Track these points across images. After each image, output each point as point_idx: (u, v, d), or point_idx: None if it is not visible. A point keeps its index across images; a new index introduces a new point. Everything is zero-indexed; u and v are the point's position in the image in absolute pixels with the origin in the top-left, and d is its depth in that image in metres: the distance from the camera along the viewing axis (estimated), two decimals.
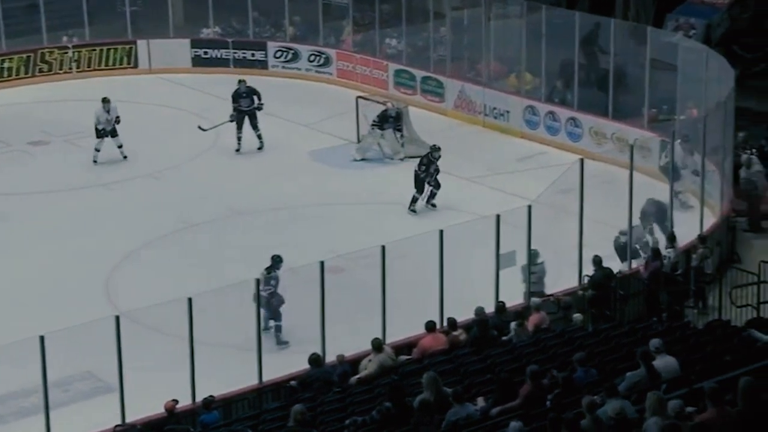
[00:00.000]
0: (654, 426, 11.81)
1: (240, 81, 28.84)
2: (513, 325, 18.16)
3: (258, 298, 18.44)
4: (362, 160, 28.19)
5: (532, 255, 19.95)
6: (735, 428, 11.75)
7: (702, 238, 21.13)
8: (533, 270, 19.89)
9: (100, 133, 27.96)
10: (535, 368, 14.82)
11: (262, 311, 19.11)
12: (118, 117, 28.02)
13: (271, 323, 19.92)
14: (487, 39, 30.71)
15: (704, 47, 26.99)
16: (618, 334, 17.31)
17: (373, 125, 28.20)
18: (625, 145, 25.86)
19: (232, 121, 28.44)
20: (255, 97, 28.47)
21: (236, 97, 28.49)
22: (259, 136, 28.64)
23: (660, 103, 27.62)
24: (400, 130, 28.18)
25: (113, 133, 28.03)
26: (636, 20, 33.43)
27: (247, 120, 28.51)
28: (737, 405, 11.99)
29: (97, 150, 27.97)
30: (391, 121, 28.10)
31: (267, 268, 20.12)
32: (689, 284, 20.52)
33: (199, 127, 28.47)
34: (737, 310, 19.39)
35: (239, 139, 28.51)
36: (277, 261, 20.25)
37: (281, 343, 19.92)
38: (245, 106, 28.41)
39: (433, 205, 25.06)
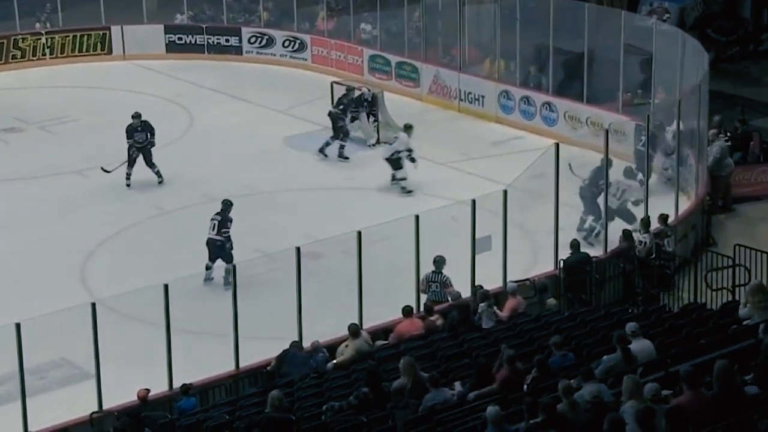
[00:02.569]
0: (630, 409, 11.86)
1: (134, 116, 26.15)
2: (482, 306, 18.16)
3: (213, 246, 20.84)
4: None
5: (437, 261, 19.56)
6: (710, 411, 11.81)
7: (663, 218, 21.17)
8: (434, 279, 19.56)
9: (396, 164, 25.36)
10: (511, 353, 14.87)
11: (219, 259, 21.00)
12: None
13: (223, 268, 20.60)
14: (461, 24, 30.71)
15: (678, 31, 27.03)
16: (594, 318, 17.37)
17: (352, 115, 28.11)
18: (600, 129, 25.94)
19: (132, 158, 25.94)
20: (148, 133, 26.00)
21: (131, 132, 25.95)
22: (158, 173, 26.09)
23: (634, 87, 27.69)
24: (374, 115, 28.13)
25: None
26: (610, 4, 33.50)
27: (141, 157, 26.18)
28: (713, 388, 12.06)
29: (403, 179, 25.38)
30: (365, 104, 28.06)
31: (219, 213, 21.37)
32: (663, 269, 20.57)
33: (102, 169, 26.04)
34: (713, 294, 19.47)
35: (129, 175, 25.91)
36: (228, 205, 21.58)
37: (228, 284, 19.88)
38: (140, 141, 25.93)
39: None
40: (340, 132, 27.25)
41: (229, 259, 21.19)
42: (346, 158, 27.15)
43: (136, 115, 26.15)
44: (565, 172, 21.12)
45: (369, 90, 28.43)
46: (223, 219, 21.49)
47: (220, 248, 21.37)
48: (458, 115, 30.07)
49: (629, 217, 21.89)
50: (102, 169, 26.11)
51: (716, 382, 12.01)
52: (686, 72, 25.09)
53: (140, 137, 25.94)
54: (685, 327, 15.74)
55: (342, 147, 27.20)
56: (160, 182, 26.09)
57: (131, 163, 25.96)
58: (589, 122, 27.48)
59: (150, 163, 26.02)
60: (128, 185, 25.92)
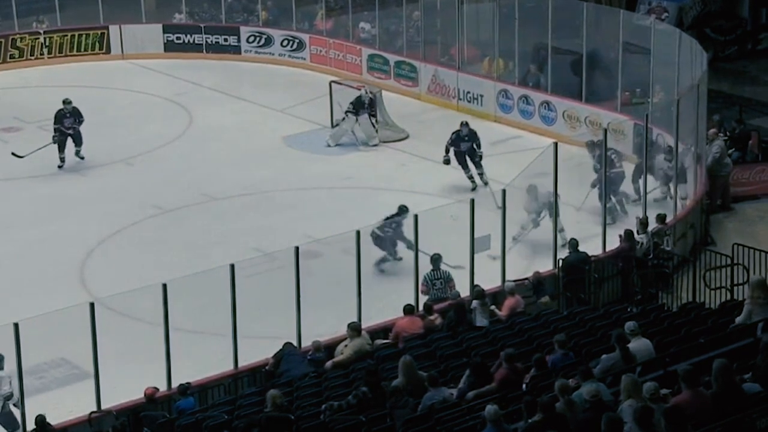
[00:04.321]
0: (629, 408, 11.86)
1: (64, 101, 26.84)
2: (474, 303, 18.16)
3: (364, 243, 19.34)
4: (337, 145, 28.11)
5: (435, 259, 19.63)
6: (709, 410, 11.82)
7: (661, 217, 21.17)
8: (437, 276, 19.55)
9: None
10: (510, 352, 14.88)
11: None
12: None
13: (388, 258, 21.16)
14: (460, 23, 30.71)
15: (677, 30, 27.04)
16: (593, 318, 17.37)
17: (347, 112, 28.12)
18: (598, 128, 25.94)
19: (54, 143, 26.68)
20: (76, 119, 26.71)
21: (60, 117, 26.66)
22: (78, 152, 26.92)
23: (633, 87, 27.70)
24: (374, 116, 28.11)
25: None
26: (609, 4, 33.51)
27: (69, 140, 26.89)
28: (711, 387, 12.06)
29: None
30: (366, 106, 28.01)
31: (390, 216, 21.53)
32: (662, 268, 20.57)
33: (13, 154, 26.66)
34: (711, 293, 19.48)
35: (62, 159, 26.79)
36: (400, 209, 21.49)
37: (381, 270, 21.03)
38: (67, 127, 26.64)
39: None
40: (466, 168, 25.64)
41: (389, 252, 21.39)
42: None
43: (67, 101, 26.84)
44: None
45: (368, 90, 28.37)
46: (388, 218, 21.50)
47: (375, 240, 21.20)
48: (457, 114, 29.99)
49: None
50: (12, 153, 26.71)
51: (715, 380, 12.02)
52: (685, 71, 25.10)
53: (68, 122, 26.62)
54: (684, 326, 15.75)
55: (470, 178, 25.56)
56: (82, 158, 26.95)
57: (61, 147, 26.74)
58: (588, 121, 27.48)
59: (79, 143, 26.87)
60: (60, 167, 26.79)
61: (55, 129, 26.74)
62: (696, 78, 23.93)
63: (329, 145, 28.08)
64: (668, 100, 24.97)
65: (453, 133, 25.56)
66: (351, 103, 28.09)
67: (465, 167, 25.33)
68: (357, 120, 27.98)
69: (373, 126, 28.03)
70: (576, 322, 17.21)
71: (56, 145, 26.77)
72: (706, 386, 12.09)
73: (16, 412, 16.58)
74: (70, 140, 26.86)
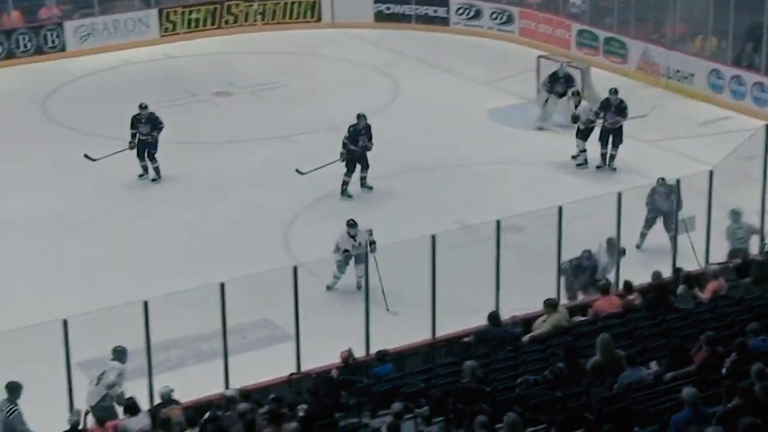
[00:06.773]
0: None
1: (140, 106, 25.09)
2: (681, 287, 17.90)
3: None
4: (540, 128, 27.82)
5: (735, 215, 20.08)
6: None
7: None
8: (738, 226, 20.04)
9: None
10: (711, 335, 14.64)
11: None
12: None
13: None
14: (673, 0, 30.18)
15: None
16: None
17: (544, 86, 27.83)
18: None
19: (132, 148, 25.07)
20: (151, 126, 24.97)
21: (135, 122, 25.05)
22: (156, 169, 25.16)
23: None
24: (576, 94, 27.42)
25: None
26: None
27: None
28: None
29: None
30: (561, 82, 27.61)
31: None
32: None
33: (86, 156, 25.31)
34: None
35: (144, 167, 25.18)
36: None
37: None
38: (144, 133, 25.03)
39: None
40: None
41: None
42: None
43: (143, 107, 25.15)
44: None
45: (563, 65, 27.85)
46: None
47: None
48: (666, 93, 29.59)
49: None
50: (85, 155, 25.36)
51: None
52: None
53: (144, 129, 25.03)
54: None
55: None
56: (153, 180, 25.21)
57: (140, 155, 25.16)
58: None
59: (152, 158, 25.16)
60: (141, 176, 25.24)
61: (132, 135, 25.05)
62: None
63: (540, 128, 27.74)
64: None
65: (350, 127, 24.34)
66: (547, 77, 27.77)
67: (351, 169, 24.25)
68: (550, 95, 27.61)
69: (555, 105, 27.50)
70: None
71: (135, 153, 25.14)
72: None
73: (119, 410, 15.98)
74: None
